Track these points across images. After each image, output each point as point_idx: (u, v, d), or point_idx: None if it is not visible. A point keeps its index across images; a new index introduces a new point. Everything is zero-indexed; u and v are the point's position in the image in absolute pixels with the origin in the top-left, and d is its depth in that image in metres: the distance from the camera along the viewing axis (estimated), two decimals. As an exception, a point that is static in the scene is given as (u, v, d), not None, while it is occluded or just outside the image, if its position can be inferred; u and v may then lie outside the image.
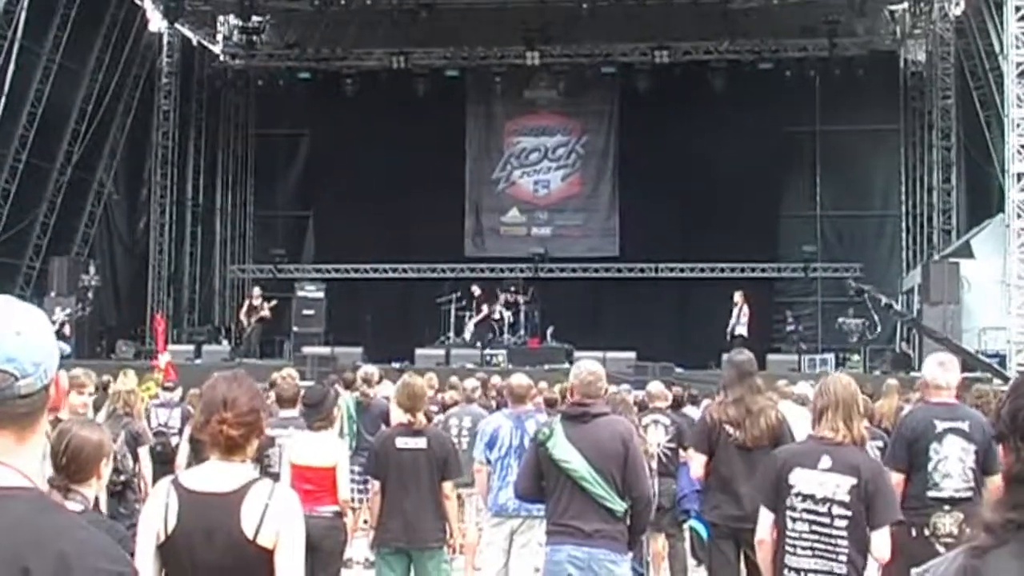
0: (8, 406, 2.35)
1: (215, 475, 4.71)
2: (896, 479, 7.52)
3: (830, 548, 6.56)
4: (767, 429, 8.38)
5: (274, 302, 28.10)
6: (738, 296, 26.45)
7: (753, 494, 8.29)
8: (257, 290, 28.98)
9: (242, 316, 27.76)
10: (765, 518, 6.81)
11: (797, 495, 6.61)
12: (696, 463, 8.90)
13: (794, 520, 6.63)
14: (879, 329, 24.75)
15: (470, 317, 27.50)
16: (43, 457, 2.53)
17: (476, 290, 28.01)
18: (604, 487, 7.44)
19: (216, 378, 5.00)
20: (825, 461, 6.59)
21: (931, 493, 7.83)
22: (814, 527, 6.59)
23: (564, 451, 7.49)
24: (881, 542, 6.60)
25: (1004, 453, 2.90)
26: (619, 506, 7.47)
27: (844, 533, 6.54)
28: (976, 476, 7.91)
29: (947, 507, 7.81)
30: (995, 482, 7.88)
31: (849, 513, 6.53)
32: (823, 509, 6.55)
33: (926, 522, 7.75)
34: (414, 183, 31.16)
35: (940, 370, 8.22)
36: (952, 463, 7.90)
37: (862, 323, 24.96)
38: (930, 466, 7.86)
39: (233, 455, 4.73)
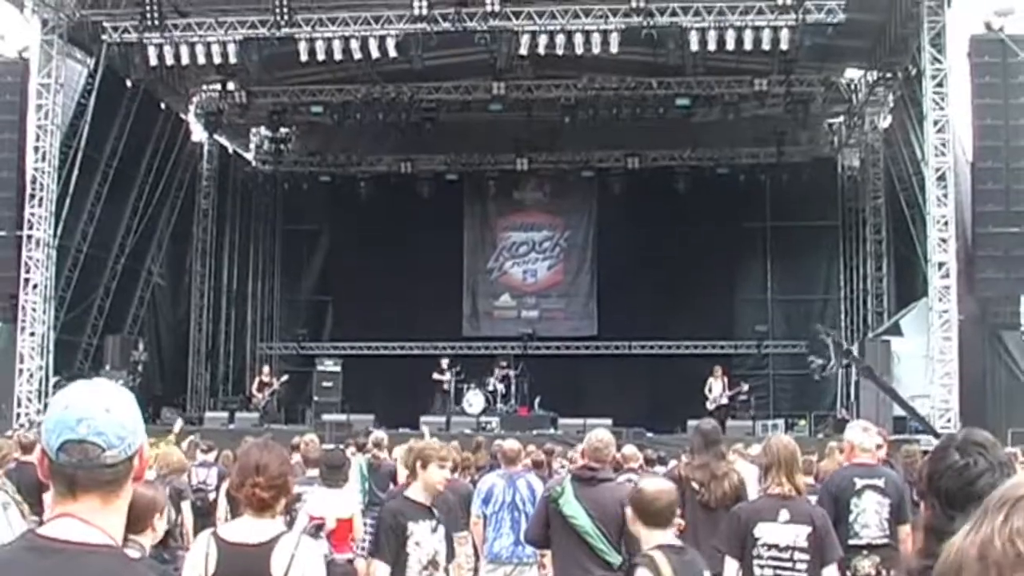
0: (96, 473, 2.42)
1: (249, 529, 4.78)
2: (836, 537, 7.62)
3: None
4: (730, 490, 8.40)
5: (285, 376, 28.11)
6: (719, 370, 26.58)
7: (713, 549, 8.36)
8: (266, 368, 29.00)
9: (255, 391, 27.66)
10: (730, 566, 6.88)
11: (763, 545, 6.72)
12: None
13: (761, 567, 6.76)
14: (834, 368, 24.92)
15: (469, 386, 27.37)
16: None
17: (444, 362, 27.95)
18: (604, 542, 7.50)
19: (250, 445, 5.08)
20: (784, 515, 6.72)
21: (851, 540, 7.98)
22: (778, 571, 6.74)
23: (572, 508, 7.55)
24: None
25: (924, 508, 2.99)
26: (615, 559, 7.54)
27: (805, 575, 6.69)
28: (891, 525, 8.03)
29: (865, 552, 7.97)
30: (905, 530, 8.07)
31: (808, 557, 6.69)
32: (786, 556, 6.71)
33: (847, 565, 7.84)
34: (419, 272, 31.26)
35: (865, 435, 8.42)
36: (870, 515, 8.06)
37: (823, 363, 25.17)
38: (851, 517, 8.03)
39: (264, 513, 4.80)
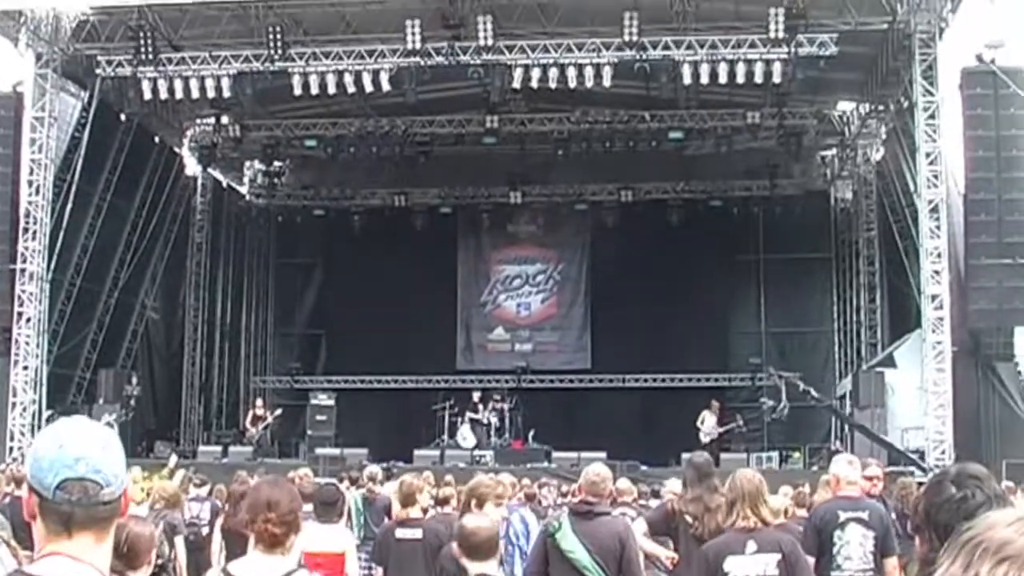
0: (93, 511, 2.42)
1: (259, 566, 4.76)
2: (808, 562, 7.61)
3: None
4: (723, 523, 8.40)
5: (279, 410, 28.11)
6: (715, 404, 26.59)
7: None
8: (260, 401, 28.98)
9: (248, 424, 27.65)
10: None
11: None
12: (638, 527, 8.88)
13: None
14: (785, 409, 24.91)
15: (463, 420, 27.32)
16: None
17: (476, 395, 27.92)
18: None
19: (260, 482, 5.06)
20: (751, 546, 6.75)
21: (834, 573, 8.00)
22: None
23: (570, 543, 7.51)
24: None
25: (920, 542, 2.99)
26: None
27: None
28: (875, 558, 8.05)
29: None
30: (891, 563, 8.07)
31: None
32: None
33: None
34: (413, 306, 31.27)
35: (849, 468, 8.44)
36: (853, 547, 8.08)
37: (774, 404, 25.18)
38: (834, 550, 8.05)
39: (275, 549, 4.78)
